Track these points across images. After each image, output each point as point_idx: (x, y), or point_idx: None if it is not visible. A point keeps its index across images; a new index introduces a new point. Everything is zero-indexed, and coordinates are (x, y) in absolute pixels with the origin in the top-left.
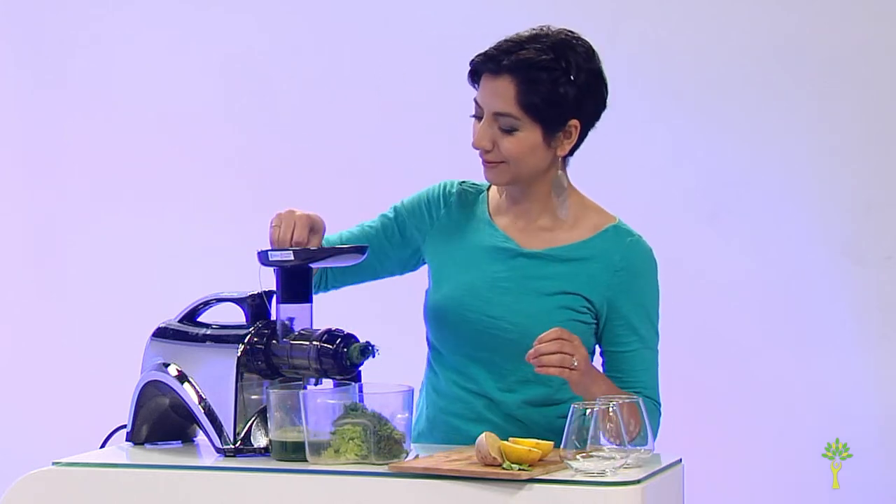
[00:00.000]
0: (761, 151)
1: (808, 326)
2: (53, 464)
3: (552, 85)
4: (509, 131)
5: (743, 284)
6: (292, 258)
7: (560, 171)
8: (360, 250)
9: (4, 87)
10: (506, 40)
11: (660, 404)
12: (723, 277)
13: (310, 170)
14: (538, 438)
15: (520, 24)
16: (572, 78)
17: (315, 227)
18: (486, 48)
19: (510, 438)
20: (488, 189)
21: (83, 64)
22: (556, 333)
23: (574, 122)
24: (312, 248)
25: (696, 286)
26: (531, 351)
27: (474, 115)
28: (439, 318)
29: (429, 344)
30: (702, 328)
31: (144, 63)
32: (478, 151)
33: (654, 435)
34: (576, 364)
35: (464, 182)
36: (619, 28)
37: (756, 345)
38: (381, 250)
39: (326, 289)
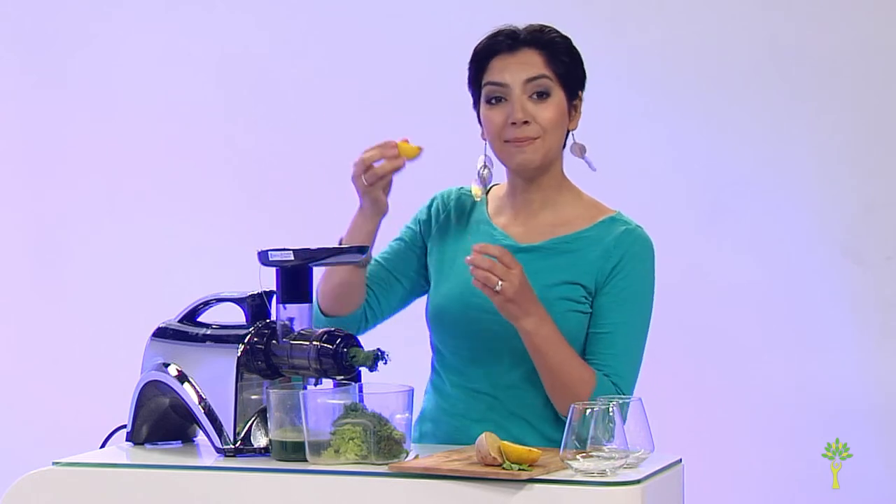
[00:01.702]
0: (761, 151)
1: (808, 326)
2: (53, 464)
3: (569, 51)
4: (543, 96)
5: (743, 284)
6: (292, 258)
7: (573, 142)
8: (360, 250)
9: (4, 86)
10: (497, 31)
11: (621, 391)
12: (723, 277)
13: (309, 169)
14: (543, 436)
15: (521, 25)
16: (573, 48)
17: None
18: (486, 37)
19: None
20: (487, 193)
21: (83, 64)
22: (496, 251)
23: (581, 94)
24: (312, 248)
25: (695, 286)
26: (469, 258)
27: (489, 100)
28: (440, 318)
29: (433, 347)
30: (702, 328)
31: (144, 63)
32: (502, 137)
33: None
34: (499, 288)
35: (461, 188)
36: (618, 28)
37: (756, 345)
38: (403, 273)
39: (374, 323)
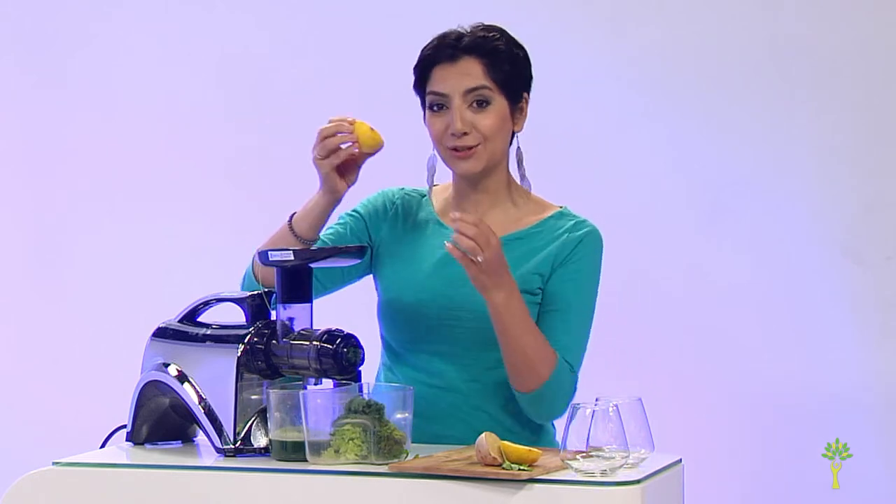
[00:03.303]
0: (761, 151)
1: (807, 326)
2: (53, 464)
3: (510, 55)
4: (483, 106)
5: (743, 284)
6: (292, 258)
7: (517, 147)
8: (360, 250)
9: (4, 86)
10: (442, 34)
11: (573, 368)
12: (723, 277)
13: (309, 169)
14: (503, 427)
15: (520, 24)
16: (517, 52)
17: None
18: (425, 46)
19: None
20: (430, 193)
21: (83, 64)
22: (474, 221)
23: (525, 95)
24: (312, 248)
25: (695, 286)
26: (456, 216)
27: (432, 107)
28: (396, 317)
29: (385, 343)
30: (702, 328)
31: (144, 63)
32: (444, 143)
33: (568, 402)
34: (480, 258)
35: (403, 188)
36: (618, 28)
37: (756, 345)
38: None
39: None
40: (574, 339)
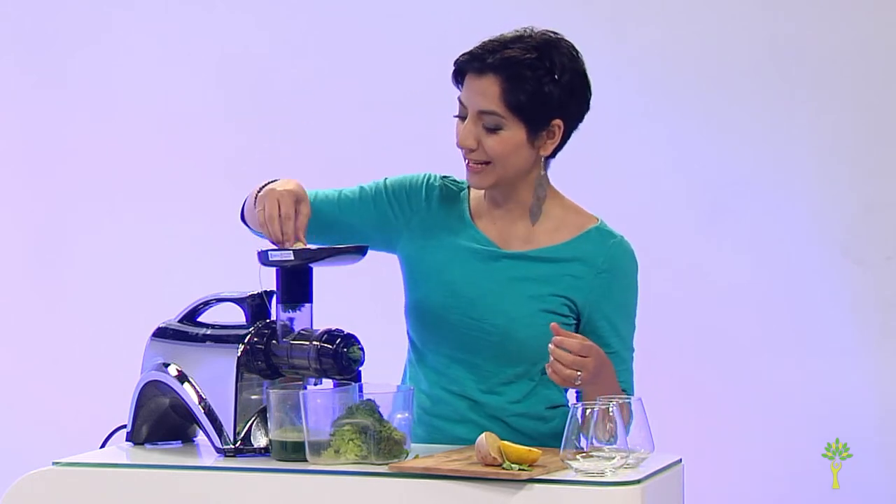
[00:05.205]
0: (761, 151)
1: (807, 326)
2: (53, 464)
3: (537, 83)
4: (494, 130)
5: (742, 284)
6: (292, 258)
7: (542, 173)
8: (360, 250)
9: (4, 86)
10: (490, 40)
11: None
12: (722, 277)
13: (309, 169)
14: (523, 439)
15: (519, 25)
16: (556, 77)
17: (299, 198)
18: (471, 48)
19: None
20: (469, 188)
21: (83, 64)
22: (577, 347)
23: (557, 121)
24: (313, 248)
25: (695, 286)
26: (552, 346)
27: (458, 116)
28: (420, 317)
29: (410, 340)
30: (702, 328)
31: (144, 63)
32: (461, 152)
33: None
34: (579, 382)
35: (446, 177)
36: (618, 28)
37: (756, 345)
38: (350, 222)
39: None
40: (631, 370)
